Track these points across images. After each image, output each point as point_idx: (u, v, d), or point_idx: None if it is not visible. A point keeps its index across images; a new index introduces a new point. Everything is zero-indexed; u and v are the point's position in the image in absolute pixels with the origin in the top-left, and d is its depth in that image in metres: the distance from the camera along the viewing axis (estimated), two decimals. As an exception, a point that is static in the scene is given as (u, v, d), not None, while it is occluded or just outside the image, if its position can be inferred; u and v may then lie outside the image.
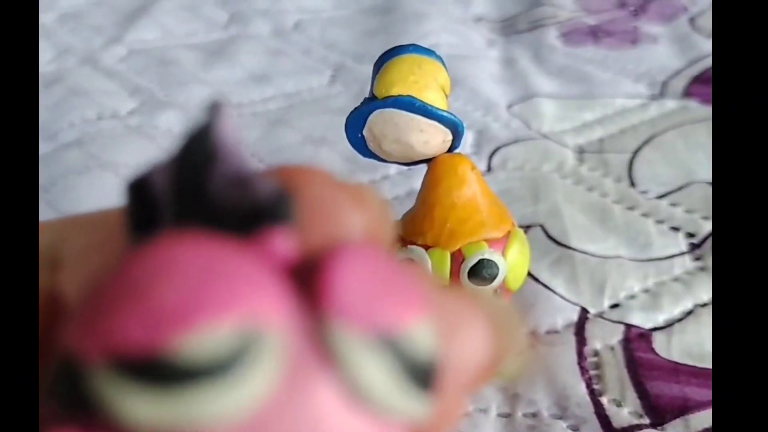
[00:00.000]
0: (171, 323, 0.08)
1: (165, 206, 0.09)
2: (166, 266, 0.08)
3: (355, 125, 0.23)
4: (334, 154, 0.39)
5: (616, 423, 0.24)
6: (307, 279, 0.09)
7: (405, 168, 0.25)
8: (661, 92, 0.43)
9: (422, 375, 0.09)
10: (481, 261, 0.24)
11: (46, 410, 0.09)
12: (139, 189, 0.10)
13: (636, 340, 0.27)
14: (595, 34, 0.50)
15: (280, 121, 0.43)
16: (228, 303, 0.08)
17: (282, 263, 0.09)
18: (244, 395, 0.08)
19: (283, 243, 0.09)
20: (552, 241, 0.32)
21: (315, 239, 0.11)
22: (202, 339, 0.08)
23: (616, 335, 0.27)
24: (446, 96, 0.23)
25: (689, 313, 0.28)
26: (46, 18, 0.58)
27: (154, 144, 0.41)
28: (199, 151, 0.09)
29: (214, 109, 0.09)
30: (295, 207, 0.09)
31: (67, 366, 0.09)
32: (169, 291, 0.08)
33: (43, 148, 0.41)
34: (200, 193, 0.09)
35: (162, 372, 0.08)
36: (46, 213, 0.36)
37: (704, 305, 0.28)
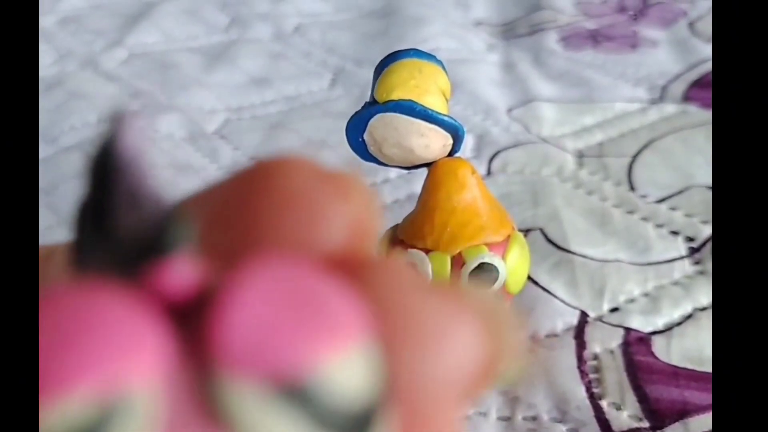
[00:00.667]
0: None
1: (85, 235, 0.08)
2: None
3: (356, 129, 0.23)
4: (335, 158, 0.39)
5: (616, 426, 0.24)
6: (198, 318, 0.08)
7: (405, 172, 0.25)
8: (661, 96, 0.43)
9: (350, 421, 0.07)
10: (481, 265, 0.24)
11: None
12: (78, 212, 0.08)
13: (635, 344, 0.27)
14: (594, 38, 0.51)
15: (280, 124, 0.43)
16: (81, 369, 0.07)
17: (170, 302, 0.08)
18: None
19: (172, 277, 0.08)
20: (552, 245, 0.32)
21: (292, 236, 0.10)
22: (51, 415, 0.07)
23: (616, 339, 0.27)
24: (447, 100, 0.24)
25: (689, 317, 0.28)
26: (46, 21, 0.58)
27: (154, 147, 0.41)
28: (100, 169, 0.08)
29: (117, 119, 0.08)
30: (189, 228, 0.08)
31: None
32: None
33: (44, 151, 0.41)
34: (103, 220, 0.08)
35: None
36: (47, 216, 0.36)
37: (704, 309, 0.28)
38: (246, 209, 0.10)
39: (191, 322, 0.08)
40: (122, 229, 0.08)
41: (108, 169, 0.08)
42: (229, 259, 0.08)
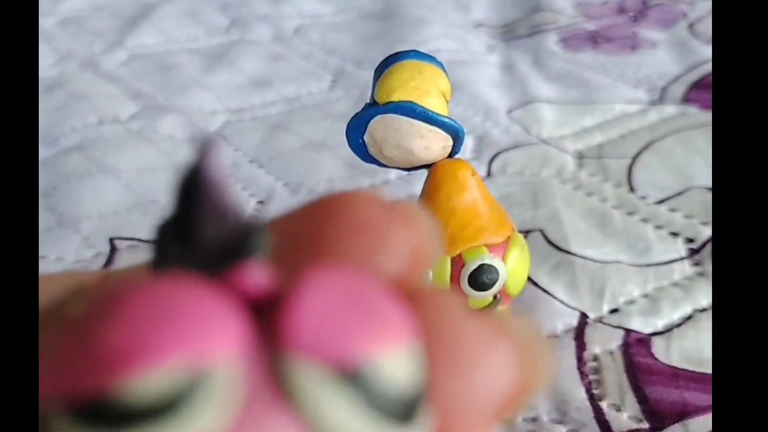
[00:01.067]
0: (114, 367, 0.08)
1: (170, 247, 0.10)
2: (117, 309, 0.09)
3: (356, 131, 0.23)
4: (335, 159, 0.39)
5: (616, 428, 0.24)
6: (270, 313, 0.09)
7: (405, 173, 0.25)
8: (661, 98, 0.43)
9: (398, 407, 0.09)
10: (481, 266, 0.24)
11: None
12: (160, 230, 0.10)
13: (635, 345, 0.27)
14: (594, 39, 0.51)
15: (280, 125, 0.43)
16: (173, 344, 0.08)
17: (248, 298, 0.09)
18: None
19: (252, 278, 0.09)
20: (552, 246, 0.32)
21: (356, 260, 0.11)
22: (145, 381, 0.08)
23: (616, 340, 0.27)
24: (447, 102, 0.24)
25: (688, 318, 0.28)
26: (46, 23, 0.59)
27: (155, 149, 0.41)
28: (188, 189, 0.09)
29: (204, 146, 0.10)
30: (268, 240, 0.09)
31: (41, 413, 0.09)
32: (115, 334, 0.08)
33: (45, 152, 0.41)
34: (189, 232, 0.09)
35: (108, 415, 0.08)
36: (47, 218, 0.36)
37: (703, 310, 0.28)
38: (315, 236, 0.11)
39: (266, 315, 0.09)
40: (208, 239, 0.09)
41: (197, 190, 0.09)
42: (298, 270, 0.10)
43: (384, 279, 0.11)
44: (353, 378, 0.09)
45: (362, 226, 0.11)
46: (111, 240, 0.34)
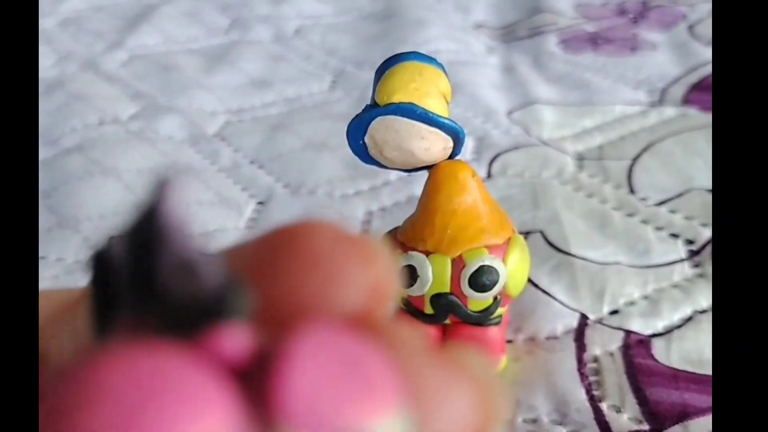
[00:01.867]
0: None
1: (121, 286, 0.09)
2: (99, 389, 0.08)
3: (357, 132, 0.23)
4: (335, 160, 0.39)
5: (616, 429, 0.24)
6: (257, 381, 0.08)
7: (405, 174, 0.25)
8: (660, 99, 0.43)
9: None
10: (481, 267, 0.24)
11: None
12: (100, 263, 0.09)
13: (635, 347, 0.27)
14: (594, 41, 0.51)
15: (281, 126, 0.43)
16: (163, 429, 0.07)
17: (230, 365, 0.08)
18: None
19: (231, 343, 0.08)
20: (552, 248, 0.32)
21: (314, 297, 0.11)
22: None
23: (616, 341, 0.27)
24: (447, 103, 0.24)
25: (688, 319, 0.28)
26: (47, 23, 0.59)
27: (155, 149, 0.41)
28: (146, 230, 0.09)
29: (164, 184, 0.09)
30: (247, 299, 0.09)
31: None
32: (99, 420, 0.08)
33: (45, 153, 0.41)
34: (149, 277, 0.08)
35: None
36: (47, 218, 0.36)
37: (703, 312, 0.28)
38: (271, 270, 0.11)
39: (251, 381, 0.08)
40: (174, 294, 0.08)
41: (154, 235, 0.08)
42: (269, 322, 0.09)
43: (344, 317, 0.11)
44: None
45: (319, 259, 0.11)
46: (111, 240, 0.34)
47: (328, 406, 0.08)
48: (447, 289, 0.24)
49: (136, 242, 0.09)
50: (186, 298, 0.08)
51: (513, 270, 0.24)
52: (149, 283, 0.08)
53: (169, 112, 0.44)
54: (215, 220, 0.35)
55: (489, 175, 0.37)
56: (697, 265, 0.30)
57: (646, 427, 0.24)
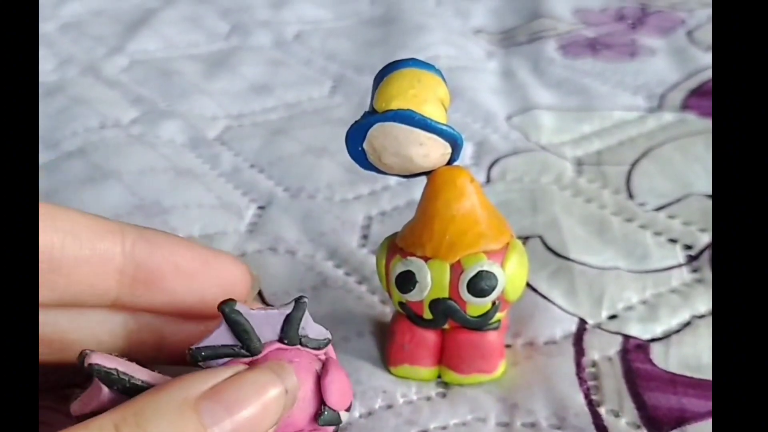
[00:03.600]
0: None
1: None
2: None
3: (356, 138, 0.24)
4: (335, 164, 0.39)
5: (614, 434, 0.24)
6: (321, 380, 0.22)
7: (405, 179, 0.25)
8: (659, 105, 0.43)
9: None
10: (479, 272, 0.24)
11: None
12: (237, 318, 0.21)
13: (634, 351, 0.27)
14: (593, 46, 0.51)
15: (281, 131, 0.43)
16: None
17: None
18: None
19: (318, 357, 0.23)
20: (551, 253, 0.32)
21: (175, 299, 0.21)
22: None
23: (614, 346, 0.27)
24: (446, 110, 0.24)
25: (687, 324, 0.28)
26: (47, 27, 0.59)
27: (156, 153, 0.41)
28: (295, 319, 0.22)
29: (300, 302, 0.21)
30: (328, 340, 0.23)
31: None
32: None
33: (46, 157, 0.41)
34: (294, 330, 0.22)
35: None
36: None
37: (701, 317, 0.28)
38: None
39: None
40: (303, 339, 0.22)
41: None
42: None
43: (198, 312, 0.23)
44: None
45: (177, 269, 0.22)
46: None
47: (340, 397, 0.21)
48: (446, 294, 0.24)
49: (296, 317, 0.21)
50: (312, 337, 0.22)
51: (511, 275, 0.24)
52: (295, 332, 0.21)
53: (169, 116, 0.45)
54: (216, 223, 0.35)
55: (488, 180, 0.37)
56: (695, 270, 0.30)
57: (644, 431, 0.24)
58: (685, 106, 0.42)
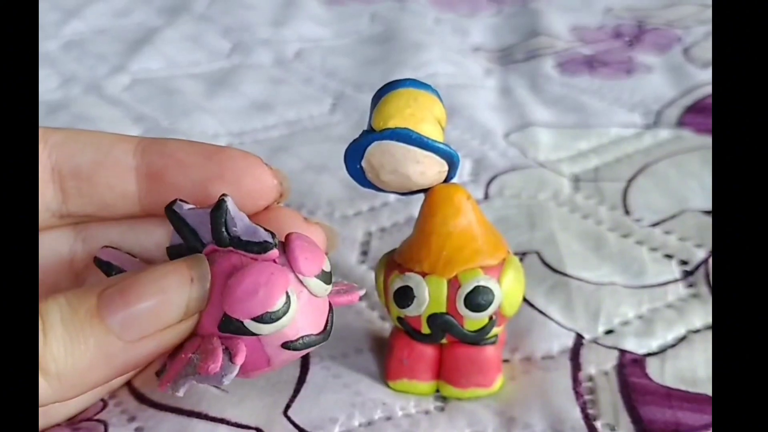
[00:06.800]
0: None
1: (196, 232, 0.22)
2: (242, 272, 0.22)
3: (354, 157, 0.24)
4: (335, 181, 0.39)
5: (610, 447, 0.24)
6: (288, 262, 0.22)
7: (403, 197, 0.26)
8: (656, 122, 0.43)
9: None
10: (476, 288, 0.24)
11: None
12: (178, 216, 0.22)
13: (630, 366, 0.27)
14: (590, 64, 0.51)
15: (281, 148, 0.44)
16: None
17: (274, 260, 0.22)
18: None
19: (274, 253, 0.22)
20: (548, 268, 0.32)
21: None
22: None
23: (611, 360, 0.28)
24: (442, 128, 0.24)
25: (682, 339, 0.28)
26: (50, 46, 0.59)
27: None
28: (222, 212, 0.22)
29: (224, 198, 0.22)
30: (272, 235, 0.22)
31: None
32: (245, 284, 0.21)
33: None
34: (226, 229, 0.22)
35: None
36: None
37: (697, 331, 0.29)
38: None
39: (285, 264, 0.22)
40: (239, 237, 0.21)
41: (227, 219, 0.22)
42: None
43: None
44: (322, 274, 0.22)
45: (178, 163, 0.25)
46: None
47: (312, 265, 0.22)
48: (443, 309, 0.25)
49: (218, 216, 0.21)
50: (244, 239, 0.21)
51: (508, 290, 0.25)
52: (227, 231, 0.21)
53: (171, 134, 0.45)
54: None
55: (486, 196, 0.38)
56: (690, 285, 0.31)
57: (639, 445, 0.24)
58: (681, 122, 0.43)
